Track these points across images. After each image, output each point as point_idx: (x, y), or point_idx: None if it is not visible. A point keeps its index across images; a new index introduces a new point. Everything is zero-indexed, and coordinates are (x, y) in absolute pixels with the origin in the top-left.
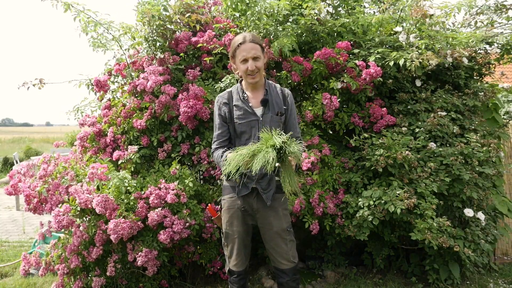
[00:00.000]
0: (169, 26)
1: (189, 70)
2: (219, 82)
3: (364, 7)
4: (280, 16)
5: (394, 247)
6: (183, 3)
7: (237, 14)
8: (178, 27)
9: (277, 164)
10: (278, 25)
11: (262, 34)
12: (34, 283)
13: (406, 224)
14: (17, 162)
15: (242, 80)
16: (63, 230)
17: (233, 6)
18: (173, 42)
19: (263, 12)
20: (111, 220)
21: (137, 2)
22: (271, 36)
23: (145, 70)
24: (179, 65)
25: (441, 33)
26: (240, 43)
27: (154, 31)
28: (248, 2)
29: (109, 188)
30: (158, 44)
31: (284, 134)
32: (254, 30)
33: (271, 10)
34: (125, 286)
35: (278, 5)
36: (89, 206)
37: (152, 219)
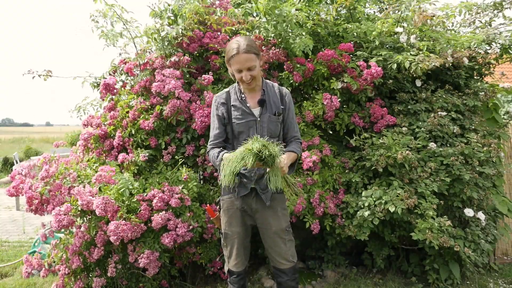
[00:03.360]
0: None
1: (203, 75)
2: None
3: (365, 7)
4: (298, 20)
5: (394, 247)
6: (196, 14)
7: (255, 14)
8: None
9: (251, 165)
10: (287, 27)
11: (272, 36)
12: (34, 283)
13: (406, 224)
14: (17, 162)
15: None
16: (63, 230)
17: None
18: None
19: (285, 19)
20: (111, 222)
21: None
22: (279, 38)
23: (156, 71)
24: (189, 66)
25: (442, 33)
26: (234, 55)
27: (169, 45)
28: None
29: (111, 190)
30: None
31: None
32: (263, 34)
33: (290, 18)
34: (125, 287)
35: (297, 15)
36: (91, 207)
37: (156, 223)
